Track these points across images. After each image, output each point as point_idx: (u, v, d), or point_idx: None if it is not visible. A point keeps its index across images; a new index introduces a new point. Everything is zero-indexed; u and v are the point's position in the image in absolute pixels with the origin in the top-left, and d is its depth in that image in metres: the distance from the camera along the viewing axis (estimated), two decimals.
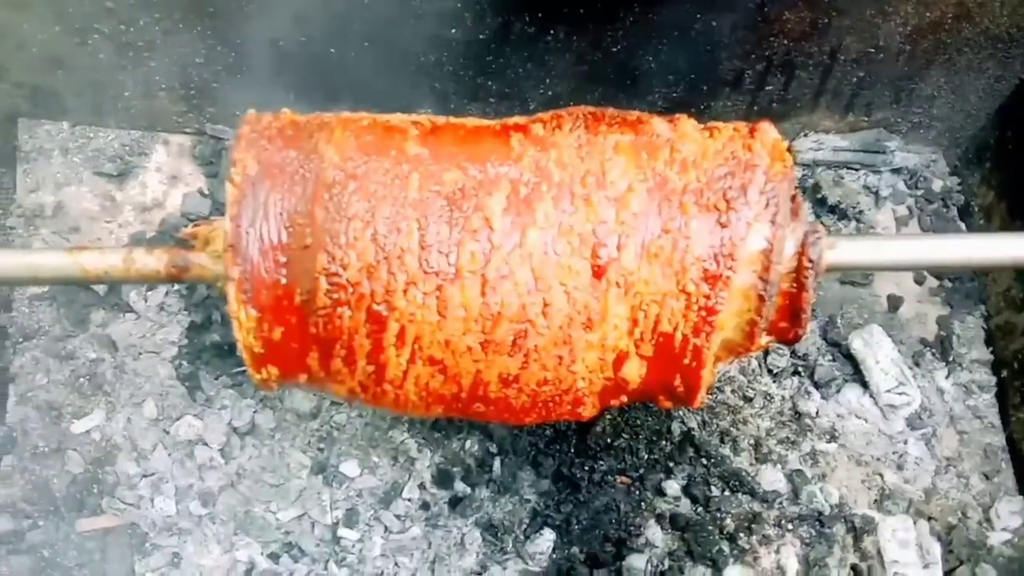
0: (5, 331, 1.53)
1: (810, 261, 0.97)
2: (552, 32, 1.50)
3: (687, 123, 1.01)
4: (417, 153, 0.92)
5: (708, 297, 0.91)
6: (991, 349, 1.71)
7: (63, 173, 1.65)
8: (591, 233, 0.90)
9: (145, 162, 1.70)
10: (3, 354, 1.52)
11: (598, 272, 0.89)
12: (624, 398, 1.01)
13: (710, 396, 1.62)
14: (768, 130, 1.00)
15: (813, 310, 1.71)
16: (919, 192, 1.86)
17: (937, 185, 1.86)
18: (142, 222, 1.66)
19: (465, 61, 1.56)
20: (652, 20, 1.51)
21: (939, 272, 1.77)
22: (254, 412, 1.51)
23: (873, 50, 1.60)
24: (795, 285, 0.98)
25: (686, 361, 0.94)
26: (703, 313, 0.91)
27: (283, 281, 0.88)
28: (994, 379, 1.69)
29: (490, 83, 1.61)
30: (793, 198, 1.01)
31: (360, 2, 1.45)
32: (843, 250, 1.04)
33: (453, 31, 1.50)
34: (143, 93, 1.62)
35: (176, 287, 1.58)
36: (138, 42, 1.52)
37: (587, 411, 0.99)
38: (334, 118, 0.97)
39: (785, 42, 1.57)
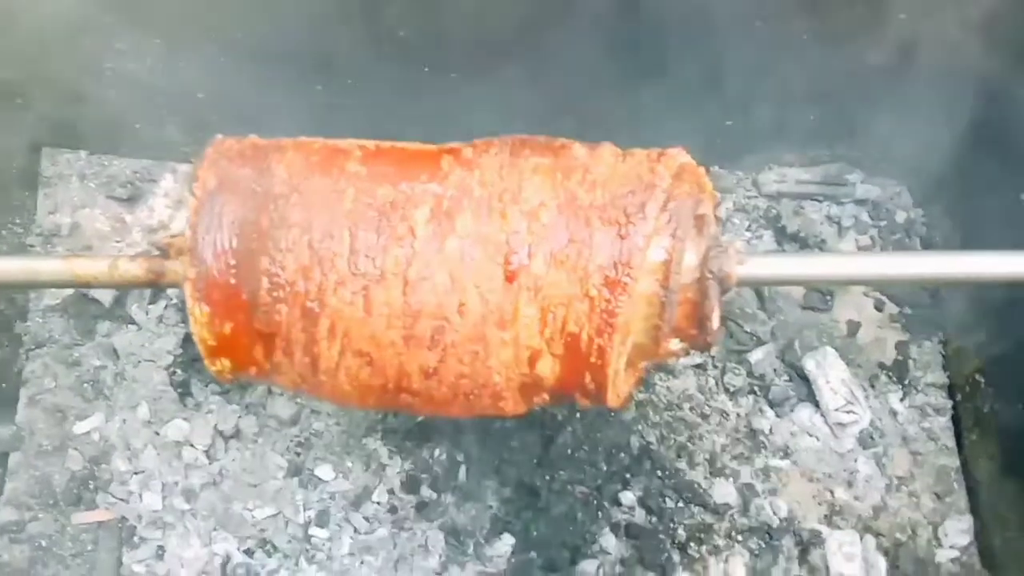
0: (20, 339, 1.68)
1: (710, 272, 1.07)
2: (513, 73, 1.64)
3: (606, 148, 1.12)
4: (356, 171, 1.05)
5: (609, 301, 1.01)
6: (947, 374, 1.77)
7: (79, 197, 1.82)
8: (504, 242, 1.01)
9: (154, 188, 1.86)
10: (17, 360, 1.67)
11: (510, 276, 1.00)
12: (545, 396, 1.11)
13: (669, 413, 1.71)
14: (676, 155, 1.10)
15: (773, 333, 1.80)
16: (882, 223, 1.93)
17: (901, 216, 1.93)
18: (148, 242, 1.81)
19: (432, 102, 1.70)
20: (609, 68, 1.64)
21: (897, 297, 1.83)
22: (239, 417, 1.64)
23: (822, 90, 1.70)
24: (699, 294, 1.08)
25: (593, 359, 1.03)
26: (605, 315, 1.01)
27: (232, 281, 1.00)
28: (950, 403, 1.74)
29: (457, 120, 1.74)
30: (701, 216, 1.11)
31: (343, 44, 1.61)
32: (752, 265, 1.14)
33: (426, 69, 1.65)
34: (153, 126, 1.79)
35: (174, 300, 1.72)
36: (148, 80, 1.69)
37: (508, 406, 1.09)
38: (289, 141, 1.10)
39: (737, 82, 1.68)
